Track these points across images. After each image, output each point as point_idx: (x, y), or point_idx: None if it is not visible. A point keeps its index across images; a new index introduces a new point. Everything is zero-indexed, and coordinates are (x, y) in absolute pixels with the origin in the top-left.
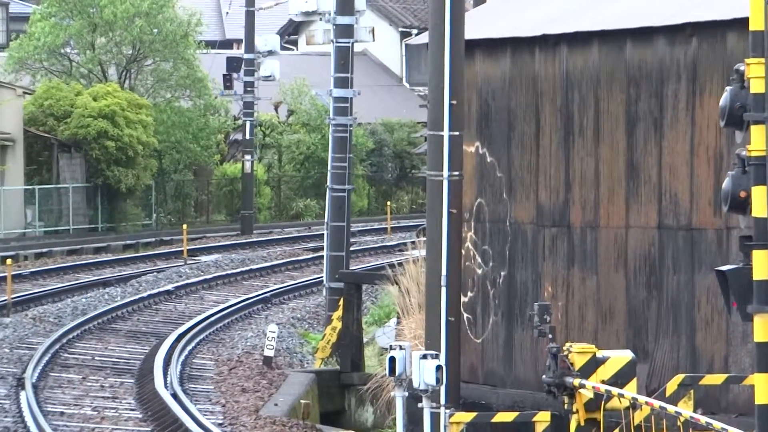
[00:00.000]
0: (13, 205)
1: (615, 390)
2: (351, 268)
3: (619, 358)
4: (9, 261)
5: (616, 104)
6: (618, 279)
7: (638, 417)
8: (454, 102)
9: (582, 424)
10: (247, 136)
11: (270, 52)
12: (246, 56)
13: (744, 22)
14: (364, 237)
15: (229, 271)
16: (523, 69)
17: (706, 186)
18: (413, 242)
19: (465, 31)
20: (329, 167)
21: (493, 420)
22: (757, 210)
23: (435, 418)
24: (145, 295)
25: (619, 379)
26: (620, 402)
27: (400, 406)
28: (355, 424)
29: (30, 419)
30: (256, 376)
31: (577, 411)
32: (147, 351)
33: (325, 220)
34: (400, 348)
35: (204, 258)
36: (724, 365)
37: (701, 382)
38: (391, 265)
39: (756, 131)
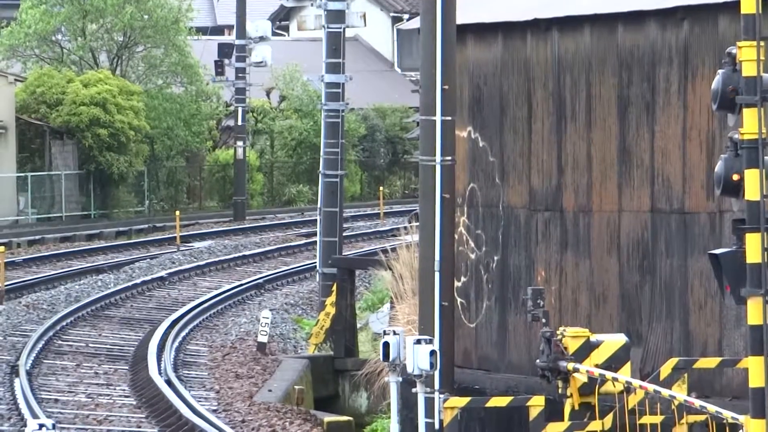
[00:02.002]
0: (5, 192)
1: (609, 374)
2: (344, 253)
3: (612, 342)
4: (2, 248)
5: (608, 88)
6: (611, 263)
7: (632, 401)
8: (446, 87)
9: (576, 408)
10: (239, 122)
11: (261, 38)
12: (237, 42)
13: (735, 5)
14: (357, 222)
15: (222, 258)
16: (514, 53)
17: (698, 169)
18: (406, 227)
19: (456, 15)
20: (321, 153)
21: (488, 405)
22: (750, 193)
23: (429, 402)
24: (138, 281)
25: (613, 363)
26: (614, 386)
27: (394, 392)
28: (349, 409)
29: (24, 406)
30: (250, 362)
31: (572, 395)
32: (141, 337)
33: (318, 205)
34: (394, 333)
35: (197, 244)
36: (718, 349)
37: (695, 366)
38: (384, 251)
39: (748, 114)
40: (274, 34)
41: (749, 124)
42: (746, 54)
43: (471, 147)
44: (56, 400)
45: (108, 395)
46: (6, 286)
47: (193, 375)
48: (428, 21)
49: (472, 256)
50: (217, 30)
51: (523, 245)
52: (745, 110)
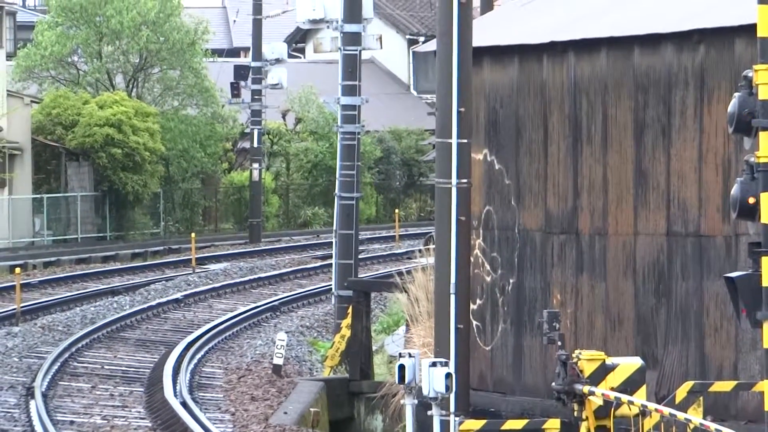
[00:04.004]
0: (21, 214)
1: (624, 397)
2: (359, 276)
3: (628, 365)
4: (18, 270)
5: (624, 111)
6: (627, 286)
7: (648, 424)
8: (463, 109)
9: (592, 431)
10: (255, 144)
11: (277, 60)
12: (253, 64)
13: (752, 28)
14: (373, 245)
15: (237, 280)
16: (531, 76)
17: (714, 193)
18: (421, 250)
19: (473, 38)
20: (337, 175)
21: (503, 427)
22: (766, 216)
23: (445, 425)
24: (153, 303)
25: (629, 386)
26: (630, 409)
27: (410, 414)
28: None
29: (40, 428)
30: (266, 385)
31: (587, 418)
32: (156, 359)
33: (334, 228)
34: (410, 356)
35: (212, 266)
36: (734, 372)
37: (711, 389)
38: (400, 273)
39: (765, 137)
40: (290, 56)
41: (765, 147)
42: (762, 77)
43: (487, 169)
44: (72, 422)
45: (123, 417)
46: (22, 307)
47: (209, 397)
48: (444, 44)
49: (488, 278)
50: (233, 52)
51: (538, 268)
52: (761, 133)
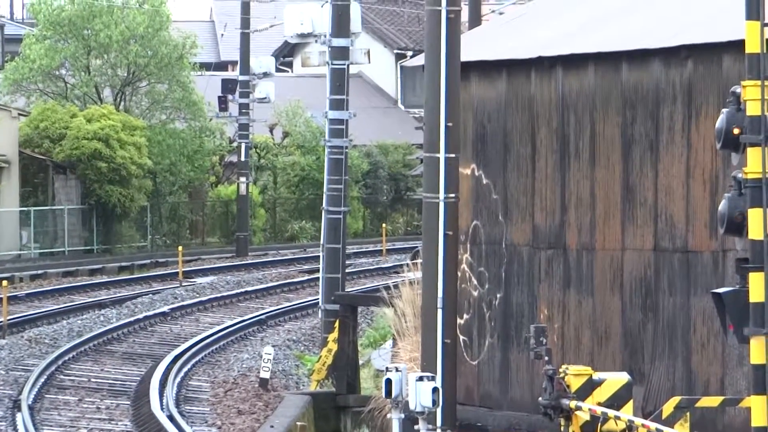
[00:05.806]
0: (8, 226)
1: (611, 412)
2: (347, 290)
3: (615, 380)
4: (5, 283)
5: (612, 126)
6: (614, 301)
7: None
8: (450, 124)
9: None
10: (242, 158)
11: (265, 74)
12: (241, 78)
13: (740, 44)
14: (360, 259)
15: (224, 293)
16: (519, 91)
17: (702, 208)
18: (409, 264)
19: (461, 53)
20: (325, 189)
21: None
22: (754, 232)
23: None
24: (140, 316)
25: (616, 401)
26: (616, 424)
27: (397, 429)
28: None
29: None
30: (252, 398)
31: None
32: (143, 373)
33: (321, 242)
34: (397, 370)
35: (199, 280)
36: (720, 387)
37: (697, 405)
38: (387, 288)
39: (752, 153)
40: (277, 70)
41: (753, 163)
42: (750, 93)
43: (474, 184)
44: None
45: (110, 430)
46: (8, 320)
47: (196, 410)
48: (432, 58)
49: (475, 293)
50: (221, 66)
51: (526, 283)
52: (749, 149)
